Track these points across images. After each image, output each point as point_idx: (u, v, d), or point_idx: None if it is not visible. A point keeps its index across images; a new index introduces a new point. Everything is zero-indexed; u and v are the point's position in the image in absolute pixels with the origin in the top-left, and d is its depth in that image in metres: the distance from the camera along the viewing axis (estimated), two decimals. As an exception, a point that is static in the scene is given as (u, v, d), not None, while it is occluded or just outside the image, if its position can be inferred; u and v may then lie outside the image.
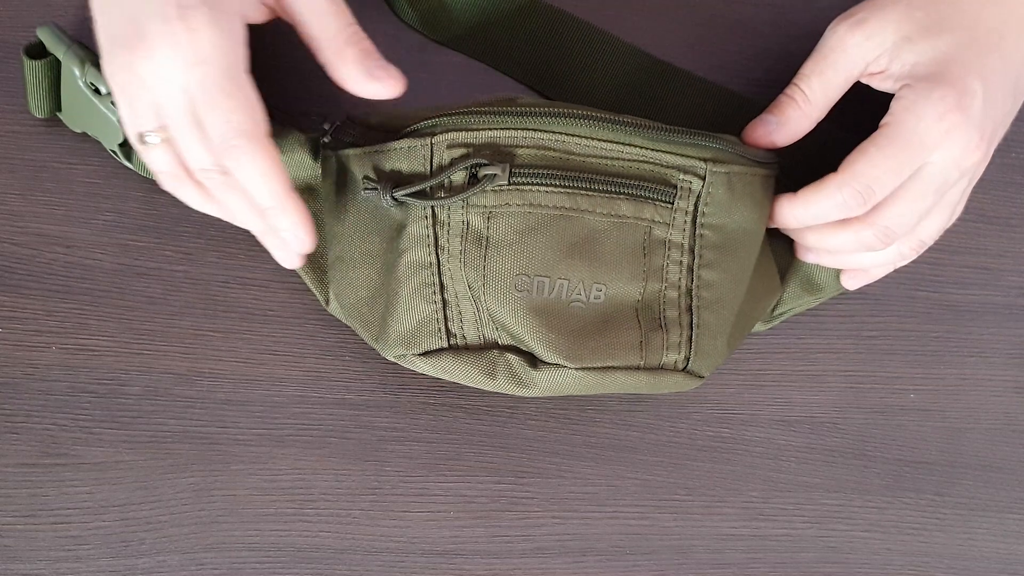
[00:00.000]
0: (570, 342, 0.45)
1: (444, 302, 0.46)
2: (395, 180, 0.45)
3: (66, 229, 0.51)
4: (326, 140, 0.47)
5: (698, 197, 0.46)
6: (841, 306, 0.56)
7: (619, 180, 0.45)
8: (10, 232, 0.50)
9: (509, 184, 0.44)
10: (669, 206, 0.46)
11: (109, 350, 0.50)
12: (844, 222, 0.47)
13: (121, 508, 0.50)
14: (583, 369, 0.45)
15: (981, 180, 0.49)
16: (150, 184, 0.51)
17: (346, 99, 0.45)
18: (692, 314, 0.47)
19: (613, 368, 0.46)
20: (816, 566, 0.54)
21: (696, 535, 0.53)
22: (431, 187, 0.44)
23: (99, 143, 0.50)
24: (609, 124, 0.45)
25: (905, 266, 0.55)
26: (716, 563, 0.53)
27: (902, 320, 0.56)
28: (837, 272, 0.52)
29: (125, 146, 0.49)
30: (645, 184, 0.45)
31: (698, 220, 0.46)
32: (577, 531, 0.52)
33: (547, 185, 0.45)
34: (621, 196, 0.45)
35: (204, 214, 0.50)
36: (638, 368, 0.46)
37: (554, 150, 0.45)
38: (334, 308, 0.50)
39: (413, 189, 0.44)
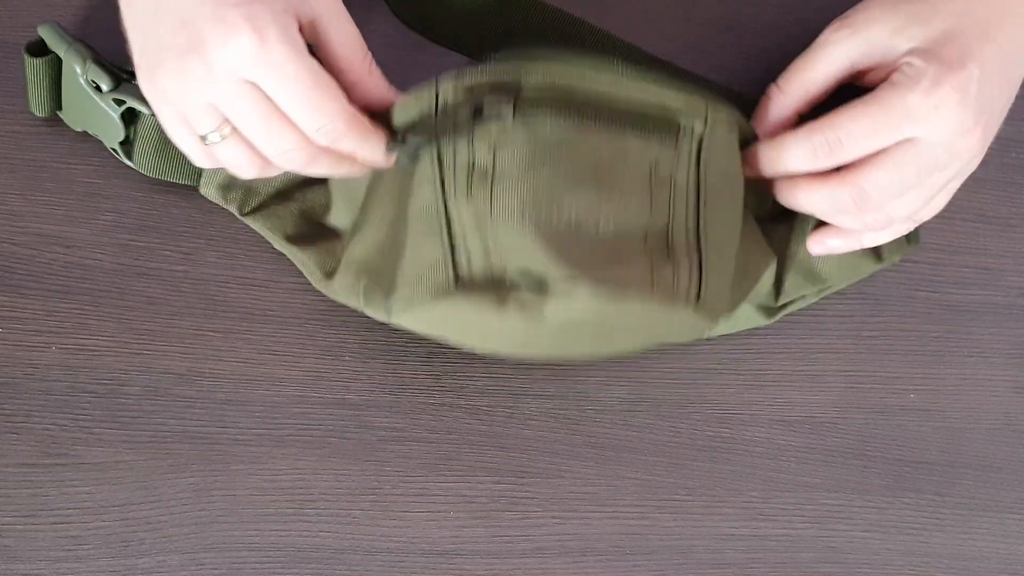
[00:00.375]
0: (581, 271, 0.44)
1: (452, 241, 0.45)
2: (406, 130, 0.46)
3: (66, 229, 0.51)
4: None
5: (701, 138, 0.46)
6: (841, 306, 0.55)
7: (625, 116, 0.46)
8: (10, 232, 0.50)
9: (514, 118, 0.44)
10: (674, 146, 0.46)
11: (109, 350, 0.50)
12: (823, 178, 0.47)
13: (121, 508, 0.49)
14: (595, 298, 0.44)
15: (981, 180, 0.49)
16: (150, 184, 0.51)
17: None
18: (700, 252, 0.46)
19: (625, 297, 0.45)
20: (816, 566, 0.54)
21: (696, 535, 0.53)
22: (437, 127, 0.45)
23: (99, 143, 0.50)
24: (615, 70, 0.45)
25: (905, 266, 0.55)
26: (716, 563, 0.53)
27: (902, 320, 0.56)
28: (839, 262, 0.52)
29: (125, 145, 0.49)
30: (650, 122, 0.46)
31: (702, 162, 0.46)
32: (577, 531, 0.52)
33: (553, 117, 0.45)
34: (627, 131, 0.45)
35: (203, 214, 0.51)
36: (650, 297, 0.45)
37: (559, 87, 0.45)
38: (337, 283, 0.49)
39: (421, 135, 0.45)
